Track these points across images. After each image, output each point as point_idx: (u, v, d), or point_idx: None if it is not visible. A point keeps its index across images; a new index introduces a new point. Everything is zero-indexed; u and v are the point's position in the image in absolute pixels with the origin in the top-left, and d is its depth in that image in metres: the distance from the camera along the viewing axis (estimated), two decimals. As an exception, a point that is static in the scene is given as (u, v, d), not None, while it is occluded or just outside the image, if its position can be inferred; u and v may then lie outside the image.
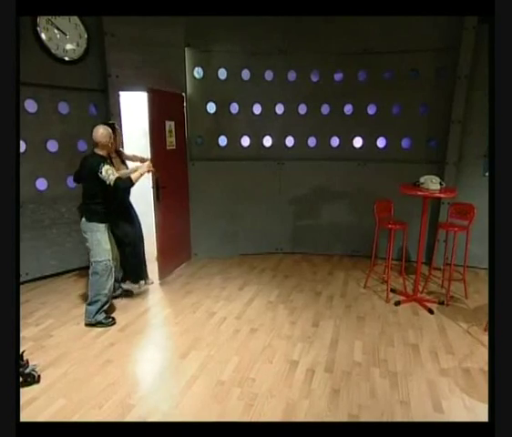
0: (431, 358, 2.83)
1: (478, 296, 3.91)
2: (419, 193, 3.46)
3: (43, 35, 3.74)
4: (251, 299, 3.79)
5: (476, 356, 2.85)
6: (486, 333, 3.14)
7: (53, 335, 3.10)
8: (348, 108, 4.79)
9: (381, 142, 4.82)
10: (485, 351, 2.91)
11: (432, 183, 3.49)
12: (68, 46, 3.93)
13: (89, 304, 3.22)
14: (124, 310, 3.53)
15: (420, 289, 3.96)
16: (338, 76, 4.73)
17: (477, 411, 2.28)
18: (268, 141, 4.93)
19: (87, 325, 3.21)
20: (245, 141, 4.90)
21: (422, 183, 3.56)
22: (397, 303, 3.71)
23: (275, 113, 4.85)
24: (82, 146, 4.31)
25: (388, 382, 2.55)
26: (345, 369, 2.69)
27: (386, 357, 2.84)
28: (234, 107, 4.79)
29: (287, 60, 4.68)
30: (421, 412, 2.27)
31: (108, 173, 3.00)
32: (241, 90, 4.73)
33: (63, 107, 4.11)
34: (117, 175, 3.05)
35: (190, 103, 4.59)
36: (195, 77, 4.60)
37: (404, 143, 4.77)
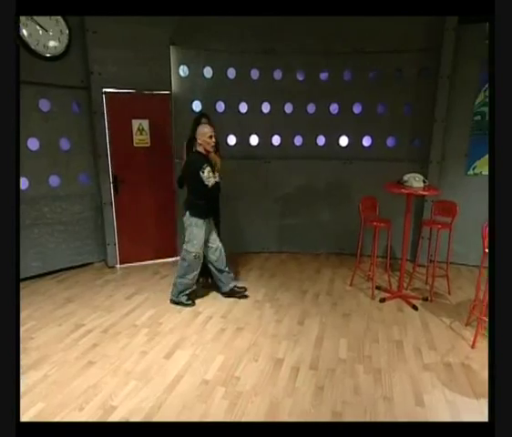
0: (414, 353, 2.87)
1: (461, 292, 3.98)
2: (403, 191, 3.50)
3: (23, 31, 3.65)
4: (238, 298, 3.77)
5: (457, 350, 2.90)
6: (468, 328, 3.21)
7: (34, 337, 3.03)
8: (334, 107, 4.82)
9: (366, 141, 4.87)
10: (466, 346, 2.96)
11: (415, 181, 3.53)
12: (49, 42, 3.84)
13: (175, 284, 3.61)
14: (108, 311, 3.48)
15: (405, 285, 4.01)
16: (324, 76, 4.76)
17: (458, 403, 2.31)
18: (254, 140, 4.93)
19: (171, 302, 3.64)
20: (231, 140, 4.88)
21: (405, 181, 3.60)
22: (382, 300, 3.74)
23: (261, 112, 4.85)
24: (65, 144, 4.23)
25: (372, 378, 2.57)
26: (330, 366, 2.70)
27: (371, 353, 2.87)
28: (220, 106, 4.77)
29: (272, 59, 4.68)
30: (403, 407, 2.29)
31: (209, 175, 3.29)
32: (227, 89, 4.72)
33: (44, 105, 4.02)
34: (215, 180, 3.34)
35: (176, 101, 4.54)
36: (180, 76, 4.56)
37: (389, 142, 4.83)
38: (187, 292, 3.60)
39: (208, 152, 3.39)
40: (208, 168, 3.29)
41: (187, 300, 3.60)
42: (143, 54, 4.21)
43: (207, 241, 3.56)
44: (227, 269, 3.71)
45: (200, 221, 3.43)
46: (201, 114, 3.79)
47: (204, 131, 3.36)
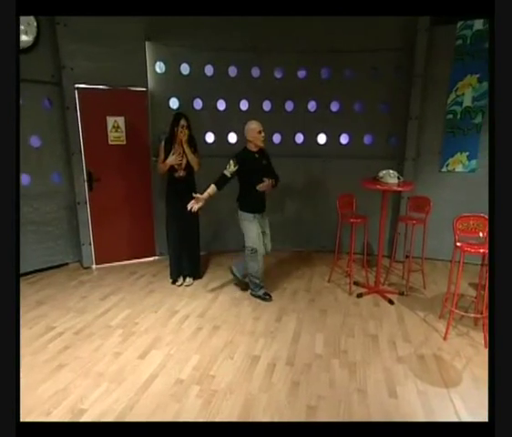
0: (389, 346, 2.91)
1: (435, 286, 4.06)
2: (378, 187, 3.55)
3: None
4: (216, 297, 3.74)
5: (430, 342, 2.96)
6: (441, 320, 3.28)
7: (1, 341, 2.91)
8: (312, 105, 4.84)
9: (344, 139, 4.91)
10: (438, 337, 3.02)
11: (390, 177, 3.59)
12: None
13: (244, 277, 3.76)
14: (81, 312, 3.38)
15: (382, 281, 4.07)
16: (301, 74, 4.78)
17: (429, 393, 2.36)
18: (233, 138, 4.90)
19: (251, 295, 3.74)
20: (209, 137, 4.84)
21: (381, 177, 3.65)
22: (359, 295, 3.79)
23: (240, 109, 4.83)
24: (36, 141, 4.09)
25: (347, 372, 2.59)
26: (306, 361, 2.71)
27: (347, 348, 2.89)
28: (198, 103, 4.72)
29: (251, 56, 4.66)
30: (377, 399, 2.32)
31: (228, 168, 3.34)
32: (205, 86, 4.67)
33: (13, 101, 3.87)
34: (225, 173, 3.34)
35: (152, 98, 4.47)
36: (156, 72, 4.48)
37: (367, 139, 4.89)
38: (260, 285, 3.65)
39: (259, 148, 3.40)
40: (232, 161, 3.33)
41: (264, 295, 3.66)
42: (117, 49, 4.11)
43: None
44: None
45: (250, 216, 3.43)
46: (180, 114, 3.72)
47: (252, 127, 3.36)
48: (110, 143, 4.32)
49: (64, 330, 3.10)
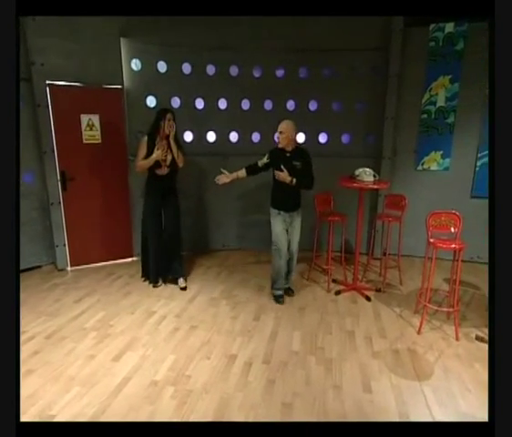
0: (365, 342, 2.94)
1: (412, 282, 4.14)
2: (354, 185, 3.59)
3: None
4: (194, 297, 3.70)
5: (405, 337, 3.01)
6: (416, 316, 3.34)
7: (-33, 348, 2.79)
8: (290, 104, 4.86)
9: (322, 138, 4.95)
10: (413, 332, 3.09)
11: (366, 175, 3.64)
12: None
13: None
14: (53, 316, 3.28)
15: (360, 278, 4.12)
16: (280, 73, 4.79)
17: (402, 387, 2.40)
18: (212, 136, 4.86)
19: None
20: (188, 136, 4.78)
21: (357, 175, 3.69)
22: (338, 293, 3.82)
23: (218, 108, 4.79)
24: (5, 140, 3.94)
25: (323, 369, 2.60)
26: (283, 359, 2.71)
27: (323, 345, 2.91)
28: (176, 102, 4.66)
29: (229, 55, 4.64)
30: (352, 394, 2.34)
31: (262, 158, 3.47)
32: (183, 84, 4.62)
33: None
34: (258, 162, 3.47)
35: (128, 96, 4.38)
36: (132, 69, 4.40)
37: (344, 138, 4.94)
38: (276, 286, 3.60)
39: (294, 147, 3.44)
40: (267, 154, 3.45)
41: (279, 297, 3.60)
42: (90, 45, 4.00)
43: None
44: (291, 273, 3.75)
45: (275, 211, 3.48)
46: (166, 109, 3.59)
47: (278, 127, 3.40)
48: (85, 142, 4.21)
49: (34, 334, 2.99)
